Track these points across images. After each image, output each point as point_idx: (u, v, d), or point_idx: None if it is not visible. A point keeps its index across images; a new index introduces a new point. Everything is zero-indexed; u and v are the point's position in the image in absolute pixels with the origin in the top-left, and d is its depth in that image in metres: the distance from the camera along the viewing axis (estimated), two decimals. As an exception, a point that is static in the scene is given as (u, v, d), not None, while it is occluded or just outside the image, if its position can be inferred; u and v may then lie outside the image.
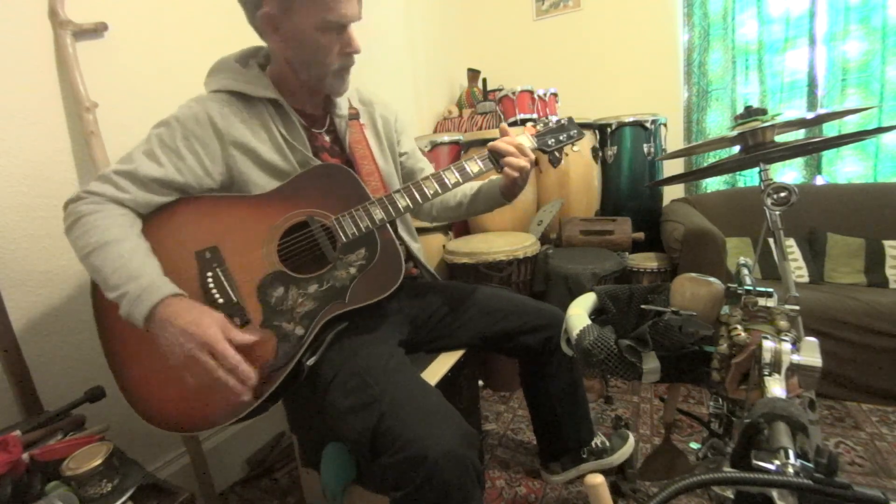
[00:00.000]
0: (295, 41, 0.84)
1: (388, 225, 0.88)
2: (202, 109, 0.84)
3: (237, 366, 0.70)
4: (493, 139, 2.07)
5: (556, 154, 0.99)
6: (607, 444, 1.15)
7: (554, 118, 1.02)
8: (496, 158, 0.94)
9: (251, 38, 1.05)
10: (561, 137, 1.00)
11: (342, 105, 1.00)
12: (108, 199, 0.78)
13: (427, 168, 1.13)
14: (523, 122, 2.17)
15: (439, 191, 0.92)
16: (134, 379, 0.79)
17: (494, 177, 1.01)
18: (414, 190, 0.90)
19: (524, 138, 0.97)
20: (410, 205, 0.89)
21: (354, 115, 1.01)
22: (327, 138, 0.99)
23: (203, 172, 0.85)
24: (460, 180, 0.93)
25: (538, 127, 1.01)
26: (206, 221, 0.83)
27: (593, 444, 1.15)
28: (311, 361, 0.82)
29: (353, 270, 0.85)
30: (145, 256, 0.76)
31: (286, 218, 0.86)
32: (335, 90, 0.92)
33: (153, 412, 0.78)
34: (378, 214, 0.86)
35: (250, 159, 0.87)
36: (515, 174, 0.92)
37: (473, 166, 0.94)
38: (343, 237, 0.85)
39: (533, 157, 0.95)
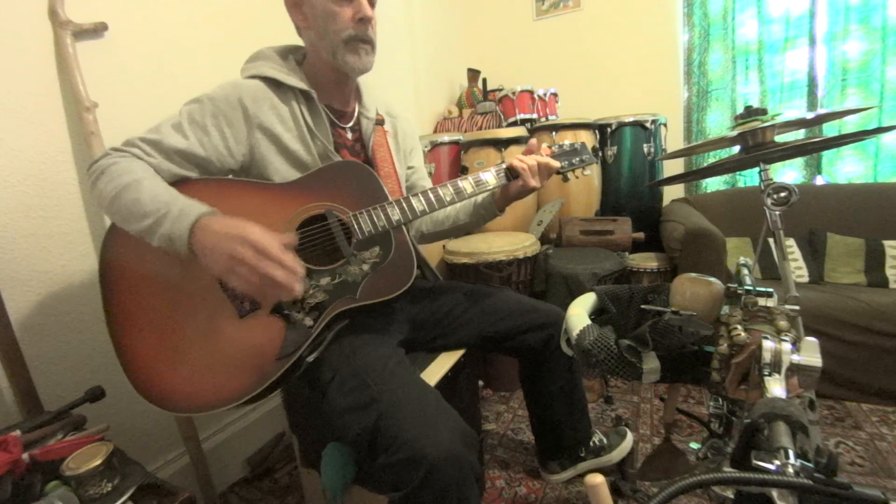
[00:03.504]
0: (312, 13, 0.89)
1: (403, 227, 0.89)
2: (235, 92, 0.86)
3: (282, 258, 0.70)
4: (493, 139, 2.06)
5: (568, 175, 1.04)
6: (605, 441, 1.15)
7: (567, 142, 1.06)
8: (514, 174, 0.97)
9: (251, 40, 1.05)
10: (574, 161, 1.04)
11: (370, 108, 1.04)
12: (134, 156, 0.80)
13: (428, 186, 1.15)
14: (523, 122, 2.18)
15: (455, 198, 0.94)
16: (141, 359, 0.79)
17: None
18: (430, 194, 0.92)
19: (539, 158, 0.99)
20: (426, 209, 0.91)
21: (381, 122, 1.05)
22: (350, 136, 1.01)
23: (226, 151, 0.86)
24: (476, 190, 0.95)
25: (553, 148, 1.04)
26: (223, 205, 0.83)
27: (591, 442, 1.15)
28: (310, 358, 0.83)
29: (366, 267, 0.87)
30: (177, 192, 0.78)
31: (304, 209, 0.86)
32: (349, 64, 0.91)
33: (159, 393, 0.78)
34: (395, 215, 0.88)
35: (273, 145, 0.89)
36: (529, 189, 0.97)
37: (490, 178, 0.96)
38: (359, 234, 0.87)
39: (556, 165, 0.99)
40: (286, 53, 0.97)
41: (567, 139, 2.03)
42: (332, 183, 0.89)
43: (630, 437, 1.16)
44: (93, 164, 0.80)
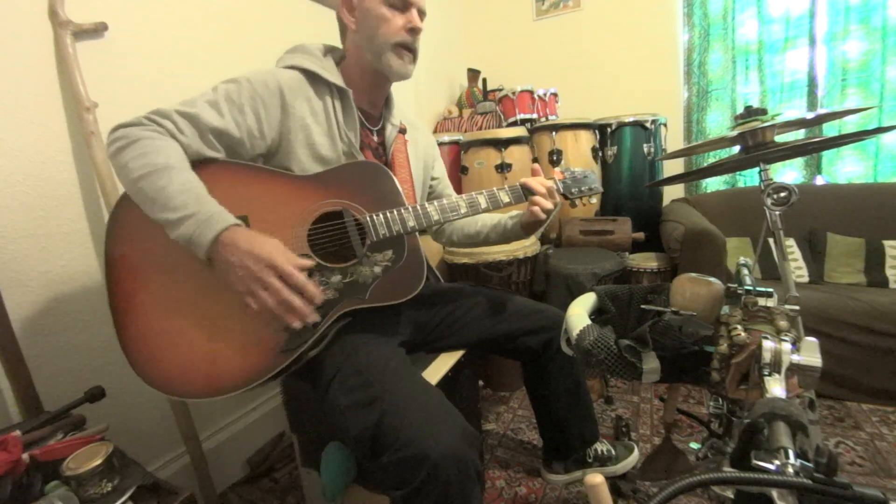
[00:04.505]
0: (363, 16, 0.92)
1: (416, 233, 0.90)
2: (274, 78, 0.87)
3: (304, 286, 0.75)
4: (493, 139, 2.06)
5: (576, 202, 1.08)
6: (613, 452, 1.15)
7: (579, 169, 1.09)
8: (526, 194, 0.99)
9: (251, 40, 1.05)
10: (583, 188, 1.07)
11: (396, 115, 1.06)
12: (168, 133, 0.78)
13: (453, 196, 1.16)
14: (523, 122, 2.18)
15: (469, 212, 0.96)
16: (141, 338, 0.78)
17: (514, 212, 1.09)
18: (445, 202, 0.94)
19: (552, 182, 1.02)
20: (441, 219, 0.93)
21: (403, 131, 1.07)
22: (375, 138, 1.02)
23: (258, 134, 0.86)
24: (489, 207, 0.98)
25: (565, 173, 1.07)
26: (240, 191, 0.83)
27: (599, 450, 1.15)
28: (312, 353, 0.83)
29: (377, 269, 0.87)
30: (206, 190, 0.77)
31: (321, 204, 0.87)
32: (392, 67, 0.93)
33: (156, 375, 0.77)
34: (411, 221, 0.89)
35: (302, 136, 0.89)
36: (542, 215, 0.98)
37: (504, 196, 0.99)
38: (374, 235, 0.87)
39: (559, 200, 1.02)
40: (326, 51, 0.98)
41: (568, 141, 2.06)
42: (352, 182, 0.89)
43: (636, 453, 1.16)
44: (122, 126, 0.77)
